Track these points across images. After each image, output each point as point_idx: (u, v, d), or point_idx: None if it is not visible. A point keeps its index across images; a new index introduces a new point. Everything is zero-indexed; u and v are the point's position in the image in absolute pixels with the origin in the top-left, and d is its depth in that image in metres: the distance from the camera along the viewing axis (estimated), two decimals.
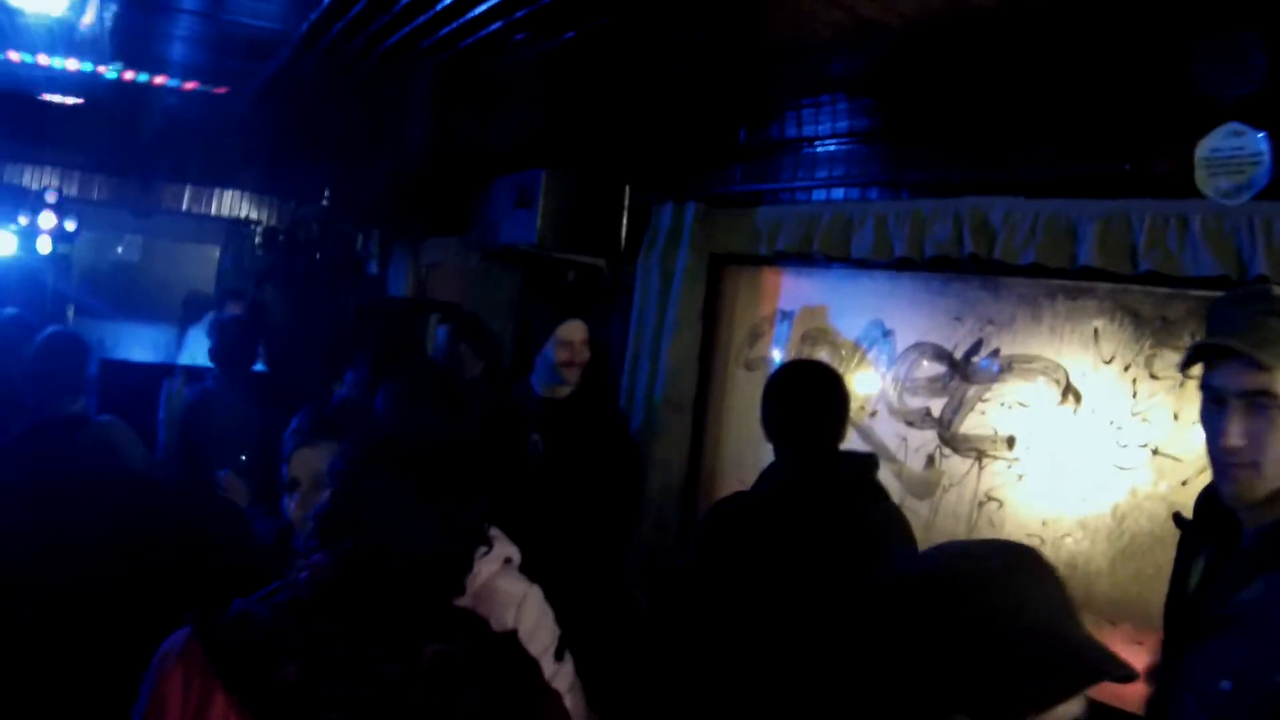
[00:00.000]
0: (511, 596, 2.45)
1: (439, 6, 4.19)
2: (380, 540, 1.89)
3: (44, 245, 8.99)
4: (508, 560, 2.52)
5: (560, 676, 2.40)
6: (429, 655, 1.84)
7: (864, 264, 4.48)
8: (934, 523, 4.18)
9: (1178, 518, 2.40)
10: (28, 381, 4.13)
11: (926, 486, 4.23)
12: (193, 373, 6.43)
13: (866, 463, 3.33)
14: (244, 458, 4.54)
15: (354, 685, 1.78)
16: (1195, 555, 2.24)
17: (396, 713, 1.79)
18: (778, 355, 5.09)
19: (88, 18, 5.10)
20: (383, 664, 1.81)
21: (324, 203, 9.54)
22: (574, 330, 4.98)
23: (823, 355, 4.76)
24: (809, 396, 3.35)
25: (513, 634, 2.07)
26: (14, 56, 6.10)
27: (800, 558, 3.03)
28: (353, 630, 1.82)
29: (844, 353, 4.69)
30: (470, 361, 5.75)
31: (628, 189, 5.97)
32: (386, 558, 1.88)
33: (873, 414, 4.50)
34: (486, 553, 2.24)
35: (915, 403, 4.31)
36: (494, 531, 2.43)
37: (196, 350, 8.56)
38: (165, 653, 1.82)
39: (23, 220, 8.95)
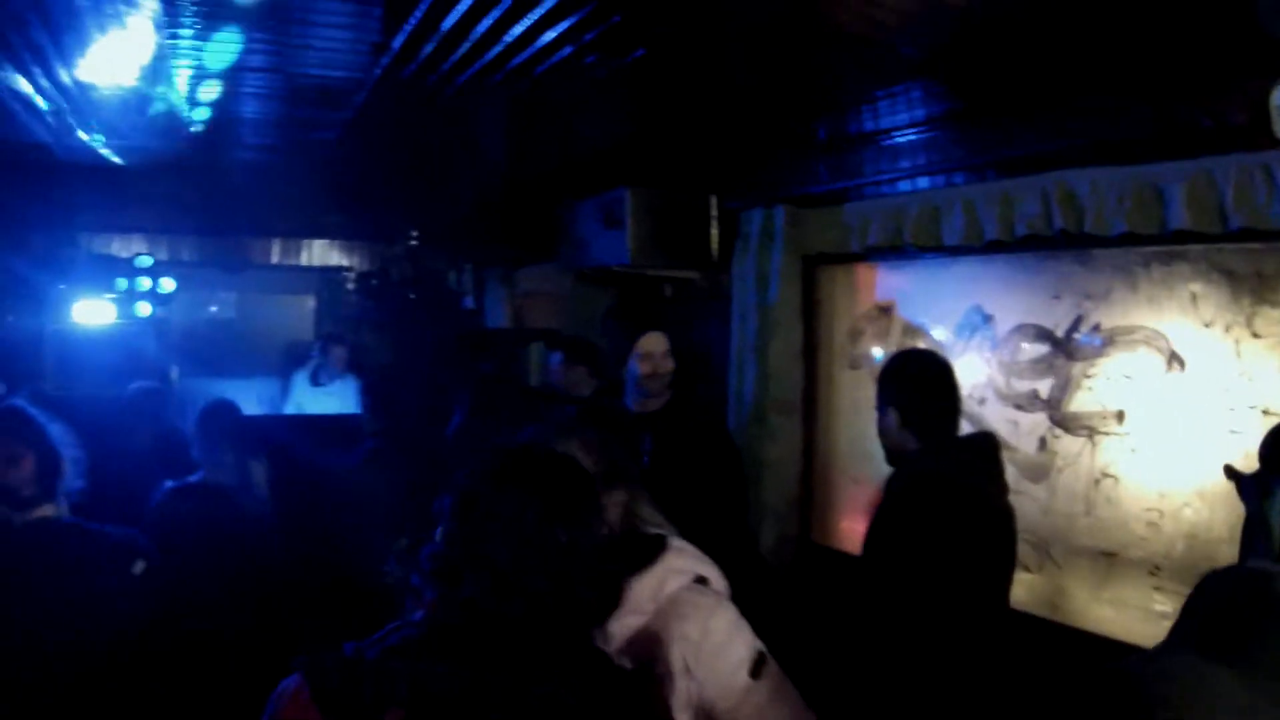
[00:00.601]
0: (699, 609, 2.50)
1: (507, 39, 4.45)
2: (498, 577, 1.88)
3: (143, 309, 9.51)
4: (700, 579, 2.58)
5: (754, 691, 2.44)
6: (538, 699, 1.83)
7: (957, 250, 4.67)
8: (1052, 505, 4.36)
9: (1229, 470, 2.57)
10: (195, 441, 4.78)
11: (1041, 469, 4.41)
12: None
13: (989, 445, 3.56)
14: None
15: None
16: (1272, 495, 2.41)
17: None
18: (880, 351, 5.27)
19: (160, 87, 5.45)
20: (490, 709, 1.81)
21: (413, 241, 9.93)
22: (653, 342, 5.20)
23: (924, 345, 4.94)
24: (933, 383, 3.59)
25: (639, 674, 2.10)
26: (84, 136, 6.51)
27: (951, 552, 3.26)
28: (461, 673, 1.83)
29: (946, 341, 4.87)
30: (586, 383, 6.02)
31: (714, 198, 6.21)
32: (505, 596, 1.88)
33: (981, 401, 4.68)
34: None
35: (1022, 385, 4.49)
36: (685, 547, 2.62)
37: (301, 399, 9.03)
38: (278, 695, 1.87)
39: (121, 285, 9.47)
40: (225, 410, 4.98)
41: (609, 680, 1.96)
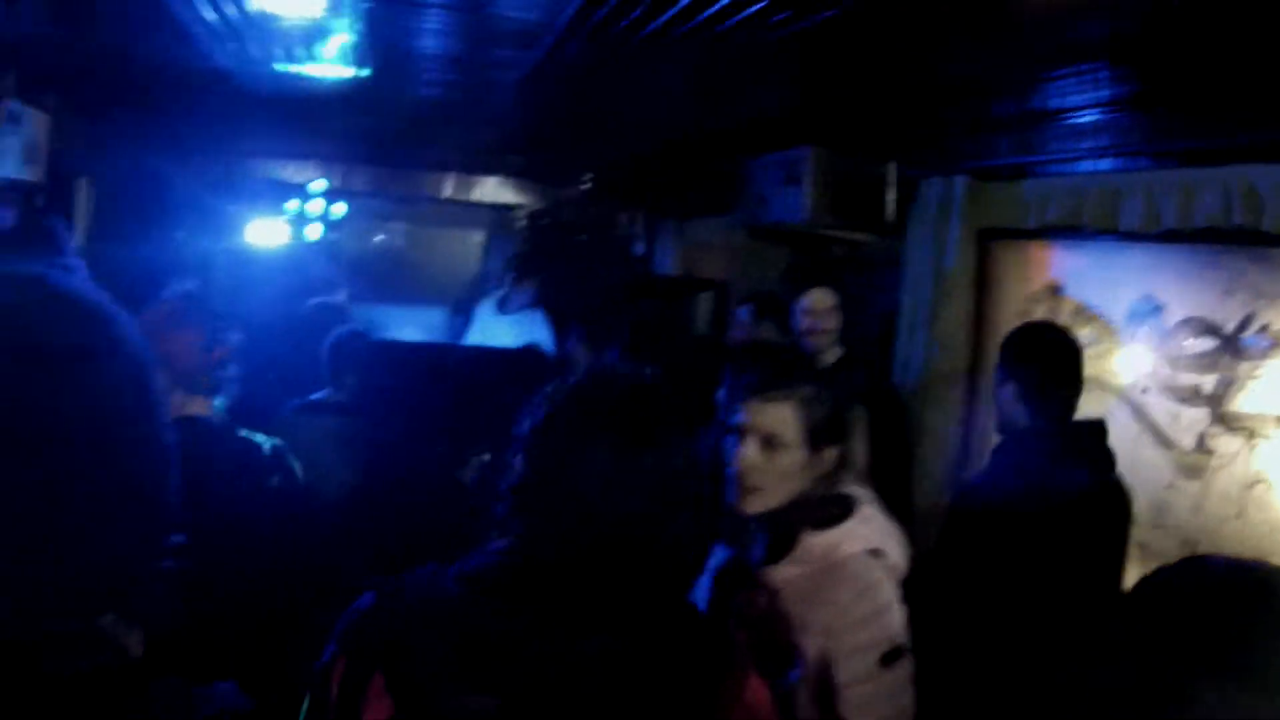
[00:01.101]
0: (859, 579, 2.62)
1: None
2: (586, 507, 1.87)
3: (313, 232, 10.08)
4: (875, 551, 2.69)
5: (877, 679, 2.53)
6: (596, 648, 1.81)
7: (1132, 236, 4.82)
8: (1203, 505, 4.54)
9: None
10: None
11: (1197, 467, 4.58)
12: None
13: (1098, 432, 3.86)
14: None
15: (508, 671, 1.78)
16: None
17: (552, 704, 1.78)
18: None
19: (342, 19, 5.79)
20: (545, 651, 1.80)
21: (586, 185, 10.29)
22: (815, 298, 5.54)
23: (1094, 329, 5.10)
24: (1057, 364, 3.97)
25: (714, 634, 2.01)
26: (265, 64, 6.93)
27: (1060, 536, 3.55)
28: (520, 613, 1.83)
29: (1115, 327, 5.03)
30: (775, 338, 6.35)
31: (893, 164, 6.41)
32: (592, 527, 1.87)
33: (1144, 390, 4.84)
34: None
35: (1186, 379, 4.66)
36: (874, 516, 2.76)
37: (485, 325, 9.46)
38: (349, 612, 1.90)
39: (291, 206, 10.04)
40: (353, 337, 5.61)
41: (676, 636, 1.91)
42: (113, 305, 1.19)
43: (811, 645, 2.59)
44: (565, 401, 1.98)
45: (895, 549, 2.73)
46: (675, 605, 1.98)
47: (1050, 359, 4.03)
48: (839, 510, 2.74)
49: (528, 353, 6.33)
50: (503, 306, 9.53)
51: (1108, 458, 3.87)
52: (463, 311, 10.37)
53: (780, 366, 2.84)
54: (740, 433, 2.74)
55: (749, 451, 2.72)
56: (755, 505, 2.74)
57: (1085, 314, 5.29)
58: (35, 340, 1.09)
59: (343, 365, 5.47)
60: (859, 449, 2.87)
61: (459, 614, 1.83)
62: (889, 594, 2.64)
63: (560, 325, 6.27)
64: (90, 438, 1.09)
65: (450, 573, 1.90)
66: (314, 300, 7.33)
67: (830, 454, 2.75)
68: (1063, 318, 5.40)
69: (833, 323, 5.73)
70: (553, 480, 1.91)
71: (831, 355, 5.80)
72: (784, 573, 2.69)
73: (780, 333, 6.48)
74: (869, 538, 2.69)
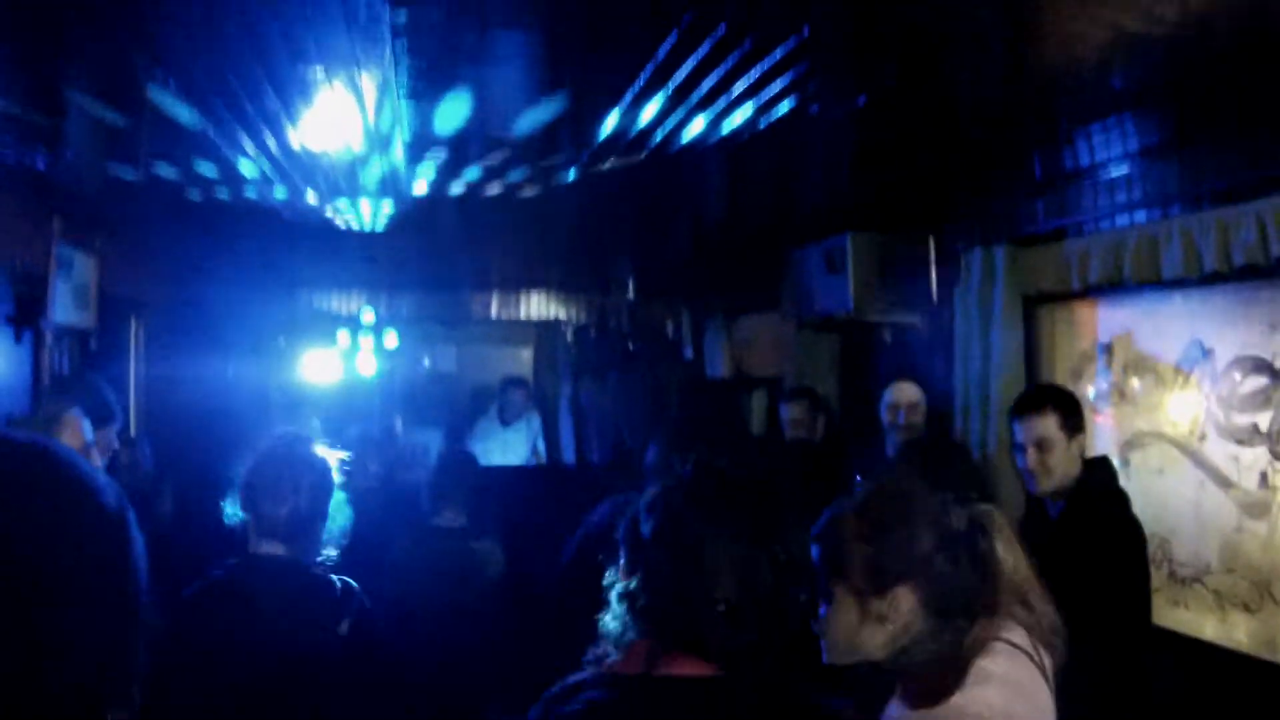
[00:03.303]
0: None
1: (733, 93, 4.85)
2: (728, 609, 1.91)
3: (367, 365, 10.32)
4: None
5: None
6: None
7: (1176, 283, 4.92)
8: (1272, 542, 4.57)
9: None
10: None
11: (1262, 506, 4.63)
12: None
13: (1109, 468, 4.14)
14: None
15: None
16: None
17: None
18: (1102, 388, 5.53)
19: (380, 153, 6.02)
20: None
21: (630, 293, 10.50)
22: (899, 392, 5.64)
23: (1146, 381, 5.19)
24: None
25: None
26: (311, 199, 7.19)
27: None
28: None
29: (1166, 378, 5.11)
30: (816, 430, 6.53)
31: (932, 240, 6.55)
32: (738, 628, 1.91)
33: (1202, 437, 4.91)
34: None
35: (1242, 420, 4.73)
36: (995, 669, 2.29)
37: (487, 438, 10.09)
38: None
39: (343, 338, 10.29)
40: (463, 459, 5.72)
41: None
42: (98, 476, 1.36)
43: None
44: (685, 504, 2.02)
45: (1023, 707, 2.27)
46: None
47: None
48: (940, 681, 2.30)
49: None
50: (503, 417, 10.29)
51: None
52: (460, 429, 10.85)
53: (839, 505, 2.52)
54: None
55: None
56: (832, 659, 2.44)
57: (1137, 367, 5.36)
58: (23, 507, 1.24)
59: (450, 489, 5.61)
60: (1005, 558, 2.41)
61: None
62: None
63: (606, 432, 6.46)
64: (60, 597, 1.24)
65: (563, 711, 1.93)
66: (353, 429, 7.58)
67: (887, 603, 2.36)
68: (1114, 375, 5.49)
69: (917, 417, 5.82)
70: (687, 585, 1.94)
71: None
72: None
73: (823, 425, 6.66)
74: (990, 706, 2.23)
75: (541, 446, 10.73)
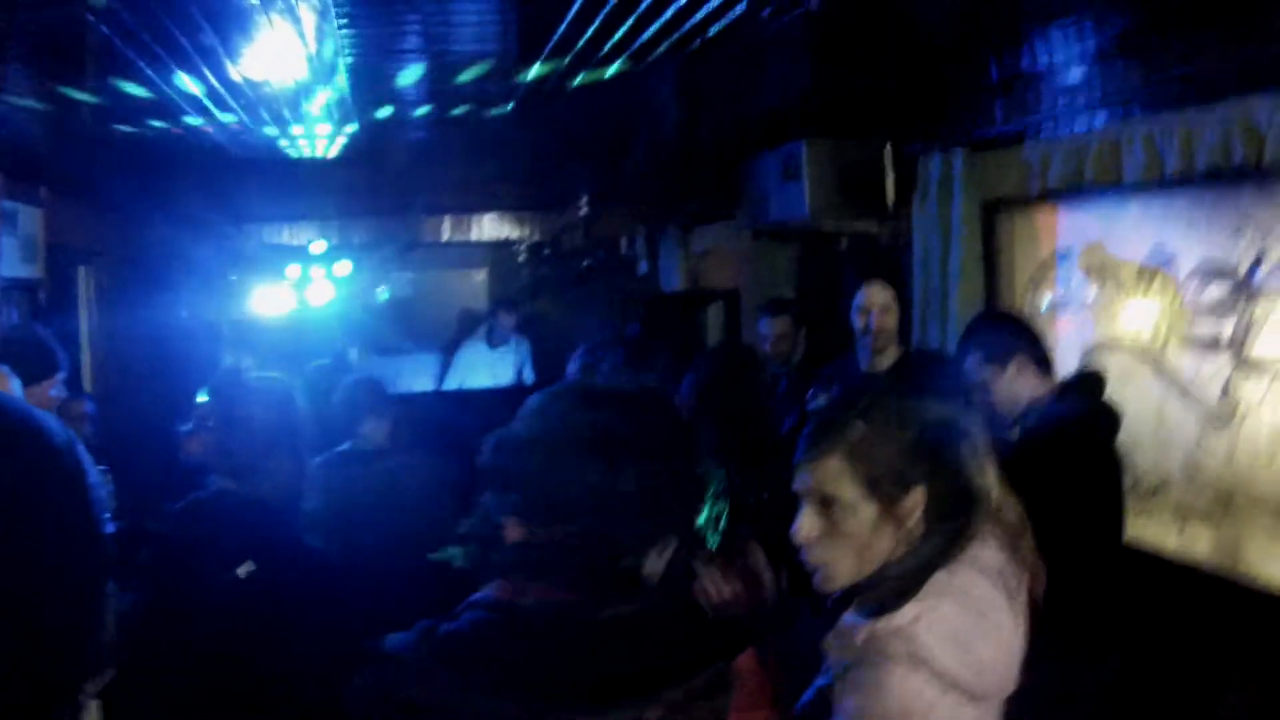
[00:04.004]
0: (876, 693, 2.20)
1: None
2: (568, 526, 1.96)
3: (318, 295, 10.22)
4: (917, 659, 2.17)
5: None
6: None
7: (1138, 187, 4.84)
8: (1235, 455, 4.53)
9: None
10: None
11: (1224, 417, 4.58)
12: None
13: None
14: None
15: None
16: None
17: None
18: (1062, 296, 5.50)
19: (324, 79, 5.91)
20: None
21: (583, 210, 10.41)
22: (869, 295, 5.47)
23: (1107, 289, 5.15)
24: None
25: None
26: (263, 132, 7.08)
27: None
28: (527, 696, 1.88)
29: (1128, 285, 5.07)
30: (796, 343, 6.48)
31: (889, 146, 6.48)
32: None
33: (1164, 345, 4.87)
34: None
35: (1204, 329, 4.67)
36: (946, 602, 2.21)
37: (474, 359, 9.96)
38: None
39: (293, 271, 10.19)
40: (368, 384, 5.78)
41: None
42: (36, 412, 1.26)
43: None
44: (548, 417, 2.03)
45: (953, 657, 2.16)
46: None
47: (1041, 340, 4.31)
48: (898, 589, 2.24)
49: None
50: (490, 340, 10.31)
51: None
52: (450, 350, 10.77)
53: (828, 412, 2.46)
54: (800, 499, 2.39)
55: (806, 523, 2.34)
56: (831, 584, 2.35)
57: (1095, 275, 5.33)
58: None
59: (359, 414, 5.62)
60: (977, 480, 2.33)
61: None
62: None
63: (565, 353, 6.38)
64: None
65: (435, 635, 1.95)
66: (311, 364, 7.50)
67: (911, 502, 2.29)
68: (1073, 281, 5.45)
69: (892, 320, 5.56)
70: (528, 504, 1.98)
71: (889, 358, 5.59)
72: (828, 643, 2.31)
73: (802, 338, 6.58)
74: (917, 638, 2.16)
75: (529, 371, 10.63)
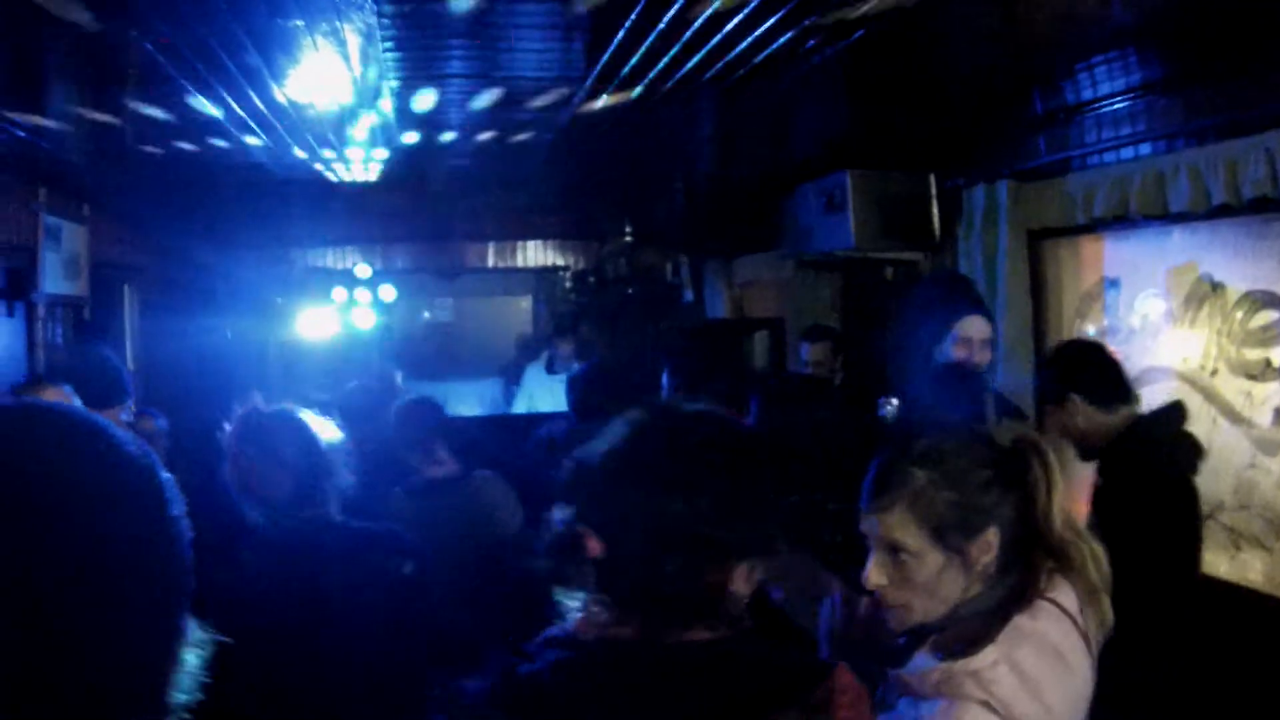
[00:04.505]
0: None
1: (726, 29, 4.75)
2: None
3: (364, 319, 10.29)
4: (990, 706, 2.18)
5: None
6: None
7: (1183, 217, 4.86)
8: None
9: None
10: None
11: (1276, 442, 4.59)
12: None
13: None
14: None
15: None
16: None
17: None
18: (1109, 324, 5.48)
19: (368, 103, 5.95)
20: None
21: (628, 238, 10.45)
22: (974, 327, 5.19)
23: (1154, 318, 5.13)
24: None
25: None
26: (300, 154, 7.12)
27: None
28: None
29: (1175, 313, 5.06)
30: (834, 368, 6.47)
31: (933, 177, 6.49)
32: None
33: (1213, 372, 4.86)
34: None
35: (1253, 355, 4.69)
36: (1019, 650, 2.20)
37: (535, 388, 9.96)
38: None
39: (339, 294, 10.26)
40: (431, 408, 5.58)
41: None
42: (126, 437, 1.22)
43: None
44: (626, 441, 2.01)
45: (1028, 704, 2.16)
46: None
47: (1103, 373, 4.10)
48: (976, 632, 2.26)
49: None
50: (550, 367, 10.17)
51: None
52: (512, 377, 10.78)
53: (889, 458, 2.44)
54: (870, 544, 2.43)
55: (875, 569, 2.38)
56: (904, 625, 2.40)
57: (1142, 303, 5.32)
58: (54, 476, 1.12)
59: (424, 438, 5.47)
60: (1054, 519, 2.33)
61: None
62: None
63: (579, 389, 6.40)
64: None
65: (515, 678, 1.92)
66: (351, 384, 7.49)
67: (980, 546, 2.31)
68: (1120, 310, 5.44)
69: (986, 355, 5.34)
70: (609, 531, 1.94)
71: None
72: (897, 678, 2.33)
73: (834, 359, 6.56)
74: (995, 683, 2.16)
75: None
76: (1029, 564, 2.32)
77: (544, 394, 10.04)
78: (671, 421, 2.06)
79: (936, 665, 2.22)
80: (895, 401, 5.00)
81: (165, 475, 1.22)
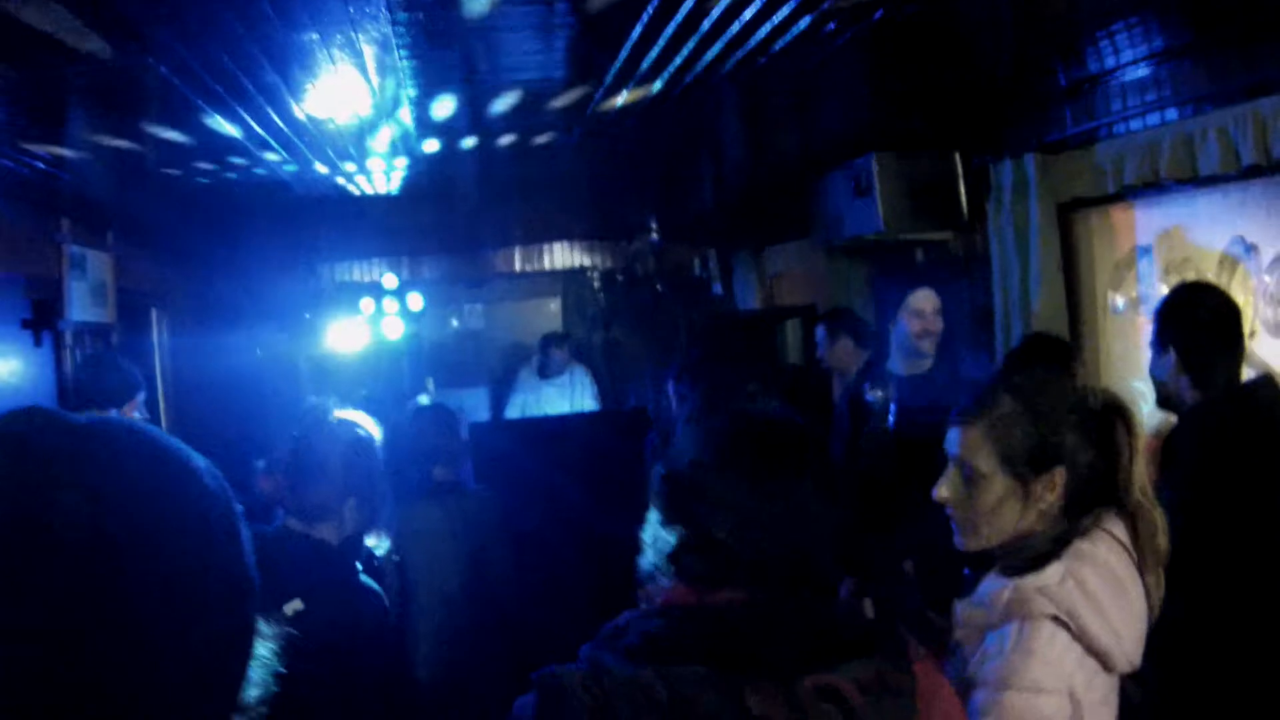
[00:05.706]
0: (1024, 652, 2.29)
1: (746, 15, 4.76)
2: (740, 544, 1.90)
3: (393, 329, 10.34)
4: (1059, 620, 2.30)
5: None
6: (808, 690, 1.78)
7: (1213, 180, 4.84)
8: None
9: None
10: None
11: None
12: None
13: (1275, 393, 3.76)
14: None
15: None
16: None
17: None
18: (1145, 293, 5.48)
19: (388, 114, 5.98)
20: (759, 708, 1.76)
21: (654, 235, 10.48)
22: (924, 299, 5.57)
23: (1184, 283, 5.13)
24: (1219, 326, 3.84)
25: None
26: (322, 169, 7.18)
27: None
28: (724, 672, 1.78)
29: (1210, 277, 5.05)
30: (852, 355, 6.44)
31: (958, 155, 6.49)
32: (753, 565, 1.89)
33: (1251, 335, 4.84)
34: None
35: None
36: (1086, 567, 2.33)
37: (527, 393, 10.46)
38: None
39: (367, 306, 10.32)
40: (445, 413, 5.68)
41: (893, 661, 1.88)
42: (194, 454, 1.23)
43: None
44: (715, 448, 2.02)
45: (1095, 620, 2.28)
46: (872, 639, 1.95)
47: (1210, 323, 3.86)
48: (1041, 552, 2.38)
49: (636, 412, 6.54)
50: (544, 372, 10.43)
51: None
52: (504, 383, 11.11)
53: (990, 380, 2.60)
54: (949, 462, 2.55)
55: (946, 484, 2.51)
56: (969, 543, 2.50)
57: (1177, 269, 5.31)
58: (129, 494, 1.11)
59: (436, 446, 5.49)
60: (1127, 464, 2.43)
61: (648, 689, 1.77)
62: (1054, 679, 2.27)
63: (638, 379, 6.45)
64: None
65: (618, 645, 1.87)
66: (412, 403, 7.62)
67: (1046, 484, 2.42)
68: (1155, 277, 5.43)
69: (939, 324, 5.71)
70: (710, 526, 1.93)
71: (929, 363, 5.76)
72: (965, 612, 2.45)
73: (857, 348, 6.57)
74: (1065, 596, 2.29)
75: (588, 399, 10.64)
76: (1095, 517, 2.42)
77: (536, 399, 10.19)
78: (754, 426, 2.08)
79: (1007, 584, 2.35)
80: (880, 393, 5.15)
81: (238, 506, 1.24)
